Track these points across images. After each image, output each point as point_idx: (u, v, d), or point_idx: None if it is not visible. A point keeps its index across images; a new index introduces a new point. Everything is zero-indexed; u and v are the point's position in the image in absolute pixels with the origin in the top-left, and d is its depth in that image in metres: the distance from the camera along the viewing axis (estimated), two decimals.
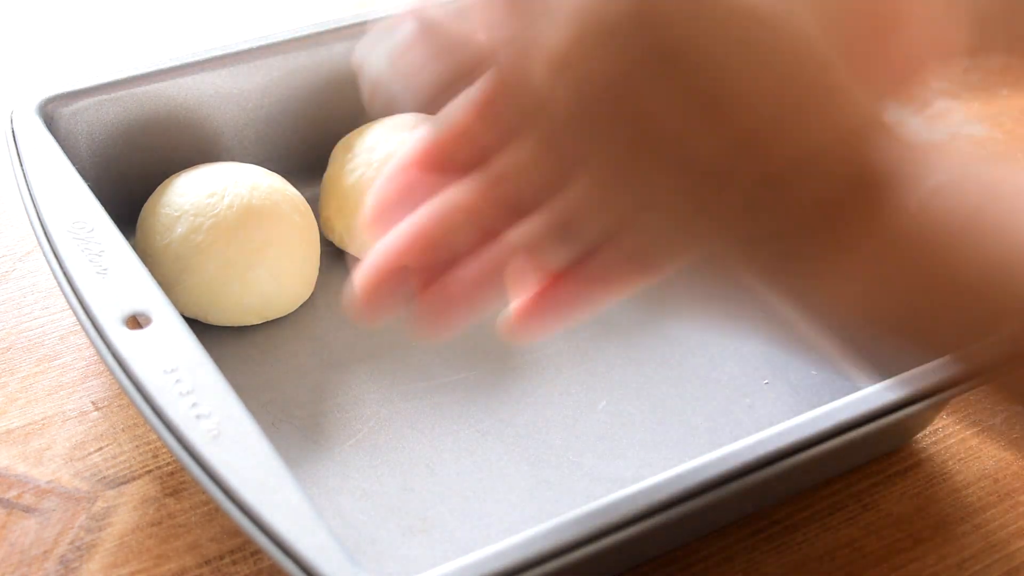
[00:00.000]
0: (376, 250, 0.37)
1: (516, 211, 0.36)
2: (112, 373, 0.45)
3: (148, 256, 0.55)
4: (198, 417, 0.43)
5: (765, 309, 0.61)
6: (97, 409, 0.53)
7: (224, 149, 0.61)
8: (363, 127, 0.61)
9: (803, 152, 0.34)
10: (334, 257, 0.61)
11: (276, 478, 0.42)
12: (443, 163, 0.37)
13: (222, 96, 0.60)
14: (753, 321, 0.59)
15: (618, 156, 0.35)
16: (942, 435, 0.56)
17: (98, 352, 0.45)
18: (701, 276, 0.39)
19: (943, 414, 0.56)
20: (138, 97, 0.58)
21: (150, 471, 0.51)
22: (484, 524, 0.50)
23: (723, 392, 0.56)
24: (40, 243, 0.49)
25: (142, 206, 0.57)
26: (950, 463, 0.55)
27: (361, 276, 0.37)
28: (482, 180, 0.37)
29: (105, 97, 0.58)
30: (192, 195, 0.55)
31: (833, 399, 0.48)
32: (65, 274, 0.48)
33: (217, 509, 0.49)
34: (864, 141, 0.34)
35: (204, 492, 0.42)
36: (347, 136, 0.61)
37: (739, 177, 0.34)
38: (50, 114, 0.56)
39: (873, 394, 0.47)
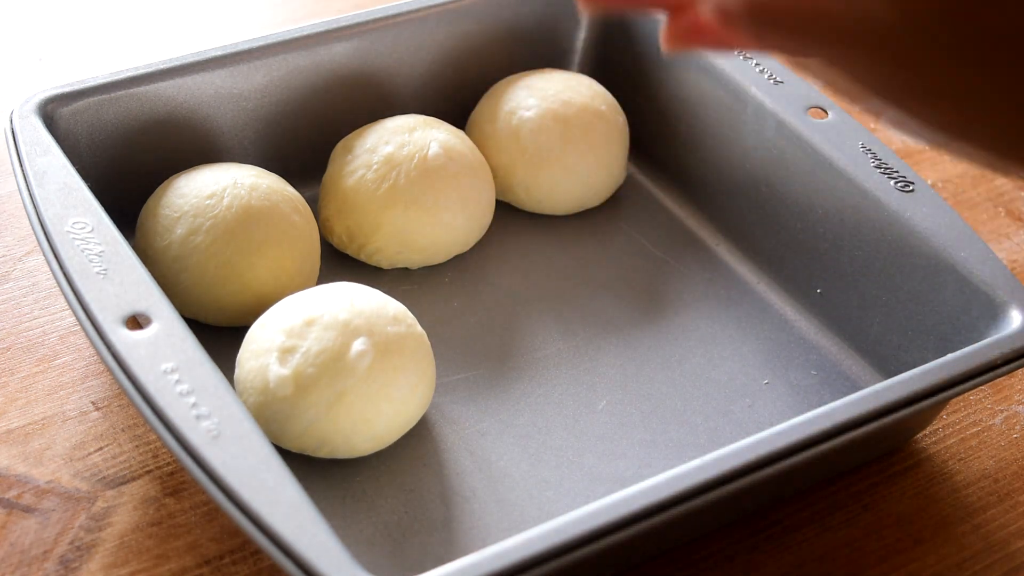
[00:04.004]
0: None
1: None
2: (112, 373, 0.45)
3: (148, 257, 0.55)
4: (198, 417, 0.43)
5: (765, 309, 0.61)
6: (97, 409, 0.53)
7: (224, 149, 0.61)
8: (363, 128, 0.61)
9: None
10: (334, 257, 0.61)
11: (276, 478, 0.42)
12: None
13: (222, 96, 0.60)
14: (753, 321, 0.60)
15: None
16: (942, 435, 0.56)
17: (98, 352, 0.45)
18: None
19: (943, 414, 0.57)
20: (138, 97, 0.58)
21: (150, 471, 0.51)
22: (484, 524, 0.50)
23: (723, 392, 0.56)
24: (40, 243, 0.49)
25: (142, 206, 0.57)
26: (950, 463, 0.55)
27: None
28: None
29: (105, 97, 0.58)
30: (192, 196, 0.55)
31: (833, 399, 0.48)
32: (65, 274, 0.48)
33: (217, 509, 0.49)
34: None
35: (204, 492, 0.42)
36: (347, 137, 0.61)
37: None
38: (50, 114, 0.56)
39: (873, 394, 0.47)
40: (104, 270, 0.48)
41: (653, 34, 0.66)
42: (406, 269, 0.61)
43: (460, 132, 0.62)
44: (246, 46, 0.60)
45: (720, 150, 0.63)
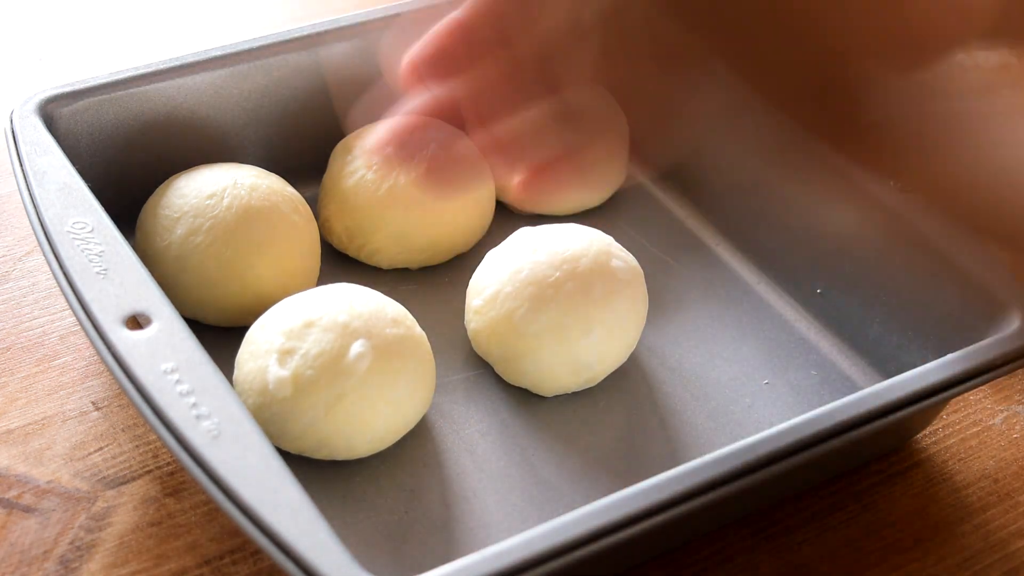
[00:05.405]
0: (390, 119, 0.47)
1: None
2: (112, 373, 0.45)
3: (148, 257, 0.55)
4: (198, 417, 0.43)
5: (765, 309, 0.61)
6: (97, 409, 0.53)
7: (224, 149, 0.61)
8: (363, 128, 0.61)
9: None
10: (334, 257, 0.61)
11: (276, 478, 0.42)
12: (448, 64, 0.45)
13: (222, 96, 0.60)
14: (753, 321, 0.60)
15: None
16: (942, 435, 0.56)
17: (98, 352, 0.45)
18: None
19: (943, 414, 0.57)
20: (138, 97, 0.58)
21: (150, 471, 0.51)
22: (484, 524, 0.50)
23: (723, 392, 0.56)
24: (40, 243, 0.49)
25: (142, 206, 0.57)
26: (950, 463, 0.55)
27: (378, 134, 0.48)
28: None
29: (105, 97, 0.58)
30: (191, 196, 0.55)
31: (833, 399, 0.48)
32: (65, 274, 0.48)
33: (217, 509, 0.49)
34: None
35: (204, 492, 0.42)
36: (347, 137, 0.61)
37: None
38: (50, 114, 0.56)
39: (873, 394, 0.47)
40: (104, 270, 0.48)
41: None
42: (406, 269, 0.61)
43: (460, 132, 0.62)
44: (246, 46, 0.60)
45: (720, 150, 0.63)
